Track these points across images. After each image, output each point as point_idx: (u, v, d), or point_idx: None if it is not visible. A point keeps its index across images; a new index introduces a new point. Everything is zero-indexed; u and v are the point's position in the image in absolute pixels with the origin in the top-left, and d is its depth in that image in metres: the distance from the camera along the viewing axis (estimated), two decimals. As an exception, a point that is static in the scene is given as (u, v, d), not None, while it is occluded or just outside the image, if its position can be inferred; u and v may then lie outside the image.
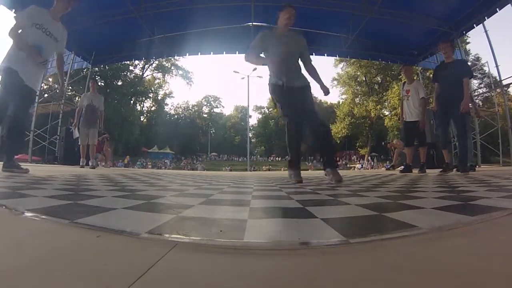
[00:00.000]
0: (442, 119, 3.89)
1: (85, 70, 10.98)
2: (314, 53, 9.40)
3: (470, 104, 4.01)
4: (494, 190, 1.41)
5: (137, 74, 36.10)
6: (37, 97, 9.43)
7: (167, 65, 37.12)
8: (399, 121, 5.62)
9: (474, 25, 7.24)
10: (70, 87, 12.76)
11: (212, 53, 9.27)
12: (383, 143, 15.61)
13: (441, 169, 3.81)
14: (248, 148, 26.33)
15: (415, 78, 5.46)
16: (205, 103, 46.96)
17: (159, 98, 40.39)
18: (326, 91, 2.71)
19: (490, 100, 19.45)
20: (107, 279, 0.39)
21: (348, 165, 29.92)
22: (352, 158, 36.48)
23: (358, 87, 33.57)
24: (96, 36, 8.49)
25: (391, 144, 8.33)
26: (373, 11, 7.13)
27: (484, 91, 19.90)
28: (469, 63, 4.40)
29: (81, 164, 5.47)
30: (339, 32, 8.55)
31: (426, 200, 1.12)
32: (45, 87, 11.67)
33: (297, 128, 2.51)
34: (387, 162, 22.20)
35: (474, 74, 22.50)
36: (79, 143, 5.59)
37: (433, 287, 0.38)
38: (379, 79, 32.52)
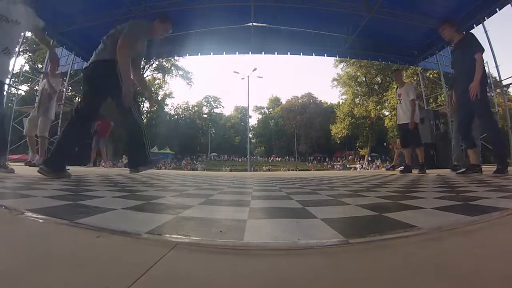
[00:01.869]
0: (461, 112, 3.21)
1: (85, 70, 10.98)
2: (314, 53, 9.41)
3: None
4: (494, 190, 1.41)
5: (137, 74, 36.06)
6: (37, 97, 9.45)
7: (167, 65, 37.09)
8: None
9: (474, 25, 7.25)
10: (70, 87, 12.77)
11: (212, 53, 9.26)
12: (384, 144, 15.66)
13: (464, 170, 3.18)
14: (248, 149, 26.31)
15: (406, 81, 5.65)
16: (205, 104, 46.98)
17: (159, 98, 40.36)
18: None
19: (490, 100, 19.46)
20: (107, 279, 0.39)
21: (347, 166, 29.87)
22: (349, 158, 36.51)
23: (358, 88, 33.57)
24: (96, 36, 8.45)
25: (393, 144, 8.36)
26: (373, 11, 7.14)
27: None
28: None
29: (30, 159, 4.81)
30: (339, 32, 8.55)
31: (426, 200, 1.12)
32: (45, 87, 11.68)
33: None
34: (387, 162, 22.20)
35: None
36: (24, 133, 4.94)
37: (433, 287, 0.38)
38: (379, 79, 32.51)
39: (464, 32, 3.58)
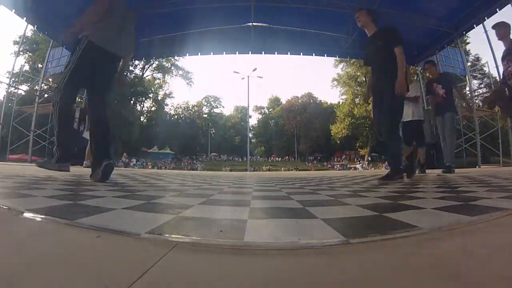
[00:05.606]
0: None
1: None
2: (314, 53, 9.41)
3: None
4: (494, 191, 1.41)
5: (137, 74, 36.09)
6: (37, 97, 9.46)
7: (167, 65, 37.11)
8: None
9: (474, 25, 7.24)
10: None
11: (212, 53, 9.26)
12: None
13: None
14: (248, 148, 26.29)
15: (412, 79, 5.53)
16: (205, 103, 46.94)
17: (159, 98, 40.39)
18: None
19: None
20: (107, 279, 0.39)
21: (347, 165, 29.85)
22: (343, 157, 36.49)
23: (358, 88, 33.54)
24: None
25: None
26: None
27: (484, 91, 19.95)
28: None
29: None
30: (339, 32, 8.54)
31: (426, 200, 1.12)
32: (45, 87, 11.64)
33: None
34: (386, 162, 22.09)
35: (474, 74, 22.35)
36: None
37: (433, 287, 0.38)
38: (379, 79, 32.46)
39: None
